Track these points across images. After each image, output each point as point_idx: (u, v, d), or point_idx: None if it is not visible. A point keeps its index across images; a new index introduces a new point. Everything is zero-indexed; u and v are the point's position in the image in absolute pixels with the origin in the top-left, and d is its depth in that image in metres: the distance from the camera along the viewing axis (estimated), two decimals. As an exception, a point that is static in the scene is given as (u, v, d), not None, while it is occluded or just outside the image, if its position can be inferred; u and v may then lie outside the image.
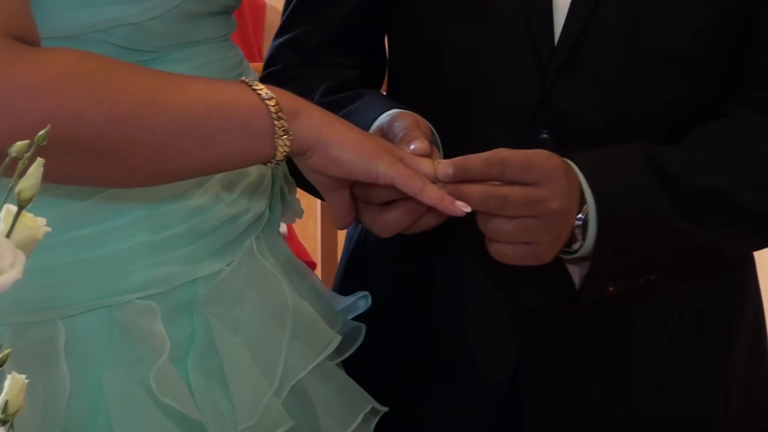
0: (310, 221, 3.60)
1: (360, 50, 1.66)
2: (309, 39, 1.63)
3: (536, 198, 1.37)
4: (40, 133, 0.95)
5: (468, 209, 1.34)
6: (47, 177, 1.29)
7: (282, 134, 1.33)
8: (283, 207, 1.60)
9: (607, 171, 1.46)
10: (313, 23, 1.63)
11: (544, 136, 1.50)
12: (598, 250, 1.45)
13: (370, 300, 1.61)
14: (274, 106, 1.33)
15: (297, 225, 3.34)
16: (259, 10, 3.74)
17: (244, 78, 1.37)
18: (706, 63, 1.56)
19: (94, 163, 1.30)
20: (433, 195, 1.34)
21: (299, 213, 1.65)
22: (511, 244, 1.39)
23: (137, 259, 1.38)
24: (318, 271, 3.28)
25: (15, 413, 0.97)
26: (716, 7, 1.53)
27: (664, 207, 1.48)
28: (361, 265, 1.72)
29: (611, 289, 1.52)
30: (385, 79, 1.73)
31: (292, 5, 1.65)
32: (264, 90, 1.34)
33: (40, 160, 0.95)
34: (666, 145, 1.52)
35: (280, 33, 1.67)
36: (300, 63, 1.61)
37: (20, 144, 0.95)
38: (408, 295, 1.64)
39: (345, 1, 1.62)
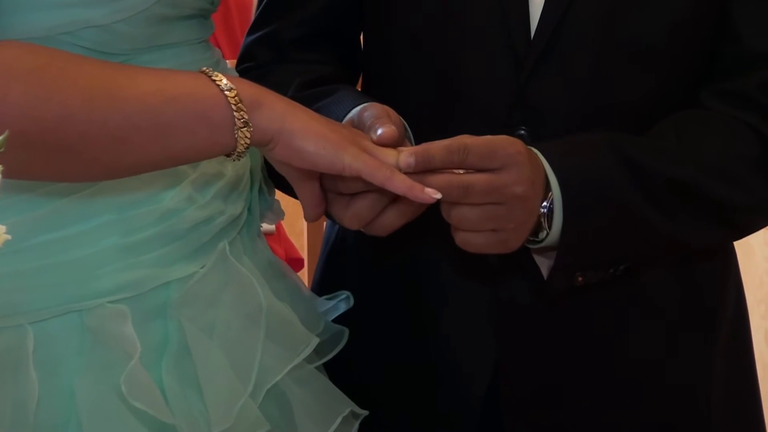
0: (299, 219, 3.60)
1: (334, 46, 1.66)
2: (282, 35, 1.64)
3: (500, 183, 1.37)
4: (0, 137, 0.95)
5: (438, 195, 1.34)
6: (5, 173, 1.30)
7: (242, 126, 1.34)
8: (264, 208, 1.60)
9: (573, 159, 1.46)
10: (286, 19, 1.63)
11: (521, 132, 1.50)
12: (563, 238, 1.45)
13: (352, 301, 1.61)
14: (234, 97, 1.33)
15: (286, 222, 3.36)
16: (247, 8, 3.74)
17: (203, 68, 1.37)
18: (682, 56, 1.56)
19: (48, 158, 1.31)
20: (401, 184, 1.34)
21: (280, 214, 1.65)
22: (476, 232, 1.39)
23: (108, 262, 1.38)
24: (305, 267, 3.30)
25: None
26: (689, 1, 1.53)
27: (629, 196, 1.48)
28: (340, 264, 1.72)
29: (580, 279, 1.52)
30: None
31: (265, 1, 1.66)
32: (223, 81, 1.34)
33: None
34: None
35: (253, 29, 1.67)
36: (274, 59, 1.61)
37: (-29, 150, 0.95)
38: (386, 294, 1.64)
39: None
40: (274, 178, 1.59)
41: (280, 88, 1.43)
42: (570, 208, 1.44)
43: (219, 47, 1.62)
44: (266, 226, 1.65)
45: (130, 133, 1.31)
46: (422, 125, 1.45)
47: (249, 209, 1.55)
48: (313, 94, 1.47)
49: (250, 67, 1.65)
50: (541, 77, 1.52)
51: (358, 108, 1.45)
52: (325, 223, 1.78)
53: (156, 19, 1.40)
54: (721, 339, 1.66)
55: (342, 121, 1.44)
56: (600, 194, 1.46)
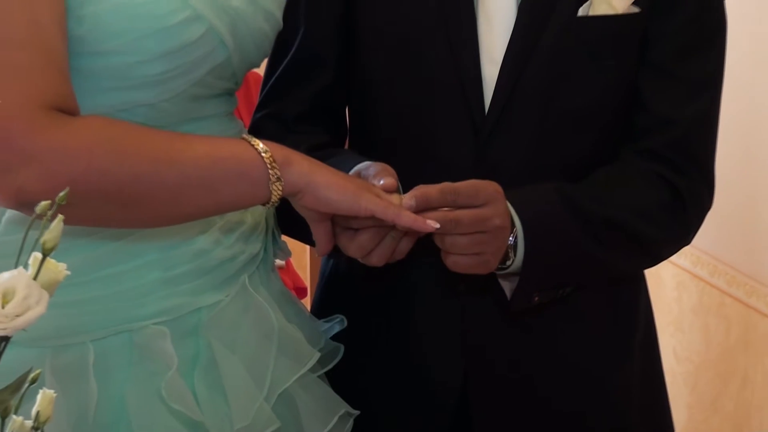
0: (304, 255, 3.61)
1: (326, 119, 1.64)
2: (286, 112, 1.61)
3: (483, 217, 1.38)
4: (60, 194, 0.94)
5: (437, 225, 1.35)
6: (82, 221, 1.31)
7: (275, 180, 1.33)
8: (275, 248, 1.60)
9: (531, 204, 1.46)
10: (288, 100, 1.62)
11: None
12: (525, 265, 1.45)
13: (345, 323, 1.61)
14: (269, 157, 1.33)
15: (293, 258, 3.35)
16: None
17: (243, 135, 1.37)
18: (606, 122, 1.56)
19: (119, 210, 1.31)
20: (408, 219, 1.34)
21: (288, 252, 1.65)
22: (463, 255, 1.39)
23: (152, 292, 1.38)
24: (308, 293, 3.31)
25: (45, 422, 0.96)
26: (614, 76, 1.53)
27: (575, 233, 1.48)
28: (333, 291, 1.71)
29: (536, 299, 1.52)
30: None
31: (270, 84, 1.63)
32: (260, 144, 1.34)
33: (60, 217, 0.94)
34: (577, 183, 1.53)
35: (261, 107, 1.64)
36: (280, 131, 1.58)
37: (43, 204, 0.95)
38: (372, 315, 1.63)
39: (317, 80, 1.60)
40: (282, 226, 1.59)
41: None
42: (530, 242, 1.44)
43: (241, 119, 1.62)
44: (278, 262, 1.65)
45: (186, 189, 1.31)
46: (401, 178, 1.45)
47: (264, 249, 1.55)
48: (320, 156, 1.47)
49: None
50: (496, 141, 1.52)
51: (362, 164, 1.44)
52: (321, 259, 1.78)
53: (192, 97, 1.41)
54: (636, 346, 1.66)
55: (349, 173, 1.44)
56: (552, 232, 1.47)
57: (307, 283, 3.38)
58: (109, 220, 1.33)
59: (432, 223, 1.35)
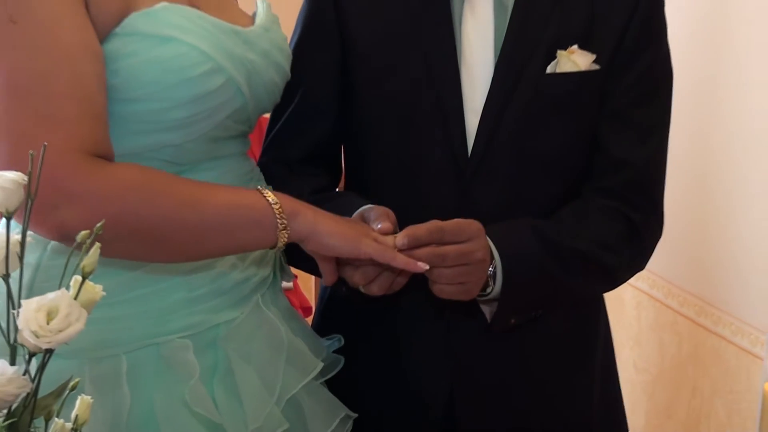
0: (309, 279, 3.60)
1: (325, 162, 1.65)
2: (290, 156, 1.62)
3: (467, 251, 1.39)
4: (97, 225, 0.95)
5: (427, 267, 1.36)
6: (116, 254, 1.30)
7: (283, 228, 1.34)
8: (283, 273, 1.60)
9: (508, 237, 1.47)
10: (291, 146, 1.62)
11: None
12: (503, 293, 1.46)
13: (342, 341, 1.61)
14: (278, 209, 1.33)
15: (301, 281, 3.35)
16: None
17: (258, 187, 1.37)
18: (571, 165, 1.57)
19: (148, 247, 1.31)
20: (402, 261, 1.36)
21: (292, 275, 1.64)
22: (448, 285, 1.40)
23: (176, 310, 1.38)
24: (313, 312, 3.29)
25: (82, 424, 0.97)
26: (577, 125, 1.55)
27: (546, 263, 1.49)
28: (331, 314, 1.71)
29: (513, 321, 1.52)
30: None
31: (275, 131, 1.63)
32: (271, 196, 1.34)
33: (97, 245, 0.95)
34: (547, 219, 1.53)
35: (266, 151, 1.65)
36: (285, 173, 1.59)
37: (83, 233, 0.95)
38: (366, 333, 1.63)
39: (317, 129, 1.61)
40: (292, 260, 1.59)
41: (296, 195, 1.42)
42: (507, 273, 1.45)
43: (254, 158, 1.62)
44: (285, 284, 1.65)
45: (207, 231, 1.31)
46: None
47: (274, 272, 1.55)
48: (323, 198, 1.46)
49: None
50: (477, 183, 1.53)
51: (364, 208, 1.45)
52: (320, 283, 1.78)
53: (213, 139, 1.41)
54: (597, 360, 1.67)
55: (351, 215, 1.45)
56: (527, 262, 1.47)
57: (312, 304, 3.37)
58: (138, 255, 1.33)
59: (422, 265, 1.36)
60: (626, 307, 3.09)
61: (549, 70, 1.51)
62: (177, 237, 1.30)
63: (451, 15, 1.52)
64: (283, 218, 1.33)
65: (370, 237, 1.37)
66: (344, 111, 1.61)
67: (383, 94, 1.56)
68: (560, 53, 1.51)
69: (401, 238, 1.37)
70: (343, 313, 1.66)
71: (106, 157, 1.28)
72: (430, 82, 1.52)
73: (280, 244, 1.35)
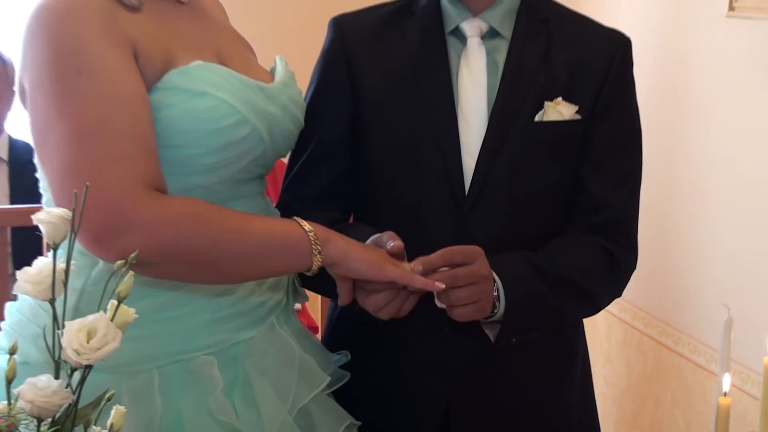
0: (317, 301, 3.59)
1: (339, 198, 1.63)
2: (308, 194, 1.61)
3: (474, 270, 1.40)
4: (131, 255, 0.95)
5: (443, 286, 1.37)
6: (169, 276, 1.30)
7: (317, 254, 1.33)
8: (296, 295, 1.59)
9: (507, 267, 1.47)
10: (310, 185, 1.61)
11: None
12: (506, 315, 1.46)
13: (348, 356, 1.60)
14: (313, 236, 1.33)
15: (309, 304, 3.33)
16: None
17: (295, 217, 1.37)
18: (557, 203, 1.57)
19: (197, 270, 1.31)
20: (420, 282, 1.36)
21: (306, 297, 1.64)
22: (465, 306, 1.40)
23: (202, 329, 1.38)
24: (319, 331, 3.27)
25: (117, 431, 0.97)
26: (562, 168, 1.55)
27: (542, 289, 1.49)
28: (338, 333, 1.69)
29: (514, 341, 1.52)
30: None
31: (293, 173, 1.62)
32: (307, 225, 1.34)
33: (131, 273, 0.95)
34: (538, 251, 1.53)
35: (286, 190, 1.64)
36: (304, 208, 1.57)
37: (119, 263, 0.95)
38: (368, 353, 1.61)
39: (330, 171, 1.60)
40: (308, 285, 1.58)
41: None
42: (509, 296, 1.45)
43: (269, 196, 1.62)
44: (296, 306, 1.64)
45: (249, 257, 1.31)
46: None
47: (287, 296, 1.54)
48: (340, 228, 1.45)
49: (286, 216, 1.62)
50: (474, 215, 1.52)
51: (376, 235, 1.45)
52: (328, 307, 1.77)
53: (237, 181, 1.41)
54: (576, 376, 1.66)
55: (366, 241, 1.44)
56: (526, 288, 1.47)
57: (318, 323, 3.35)
58: (189, 277, 1.33)
59: (439, 285, 1.37)
60: (598, 328, 3.09)
61: (537, 118, 1.52)
62: (224, 261, 1.30)
63: (449, 67, 1.54)
64: (318, 244, 1.33)
65: (391, 263, 1.37)
66: (353, 153, 1.60)
67: (390, 141, 1.56)
68: (547, 104, 1.52)
69: (416, 264, 1.38)
70: (350, 333, 1.64)
71: (161, 190, 1.28)
72: (431, 130, 1.52)
73: (315, 267, 1.34)
